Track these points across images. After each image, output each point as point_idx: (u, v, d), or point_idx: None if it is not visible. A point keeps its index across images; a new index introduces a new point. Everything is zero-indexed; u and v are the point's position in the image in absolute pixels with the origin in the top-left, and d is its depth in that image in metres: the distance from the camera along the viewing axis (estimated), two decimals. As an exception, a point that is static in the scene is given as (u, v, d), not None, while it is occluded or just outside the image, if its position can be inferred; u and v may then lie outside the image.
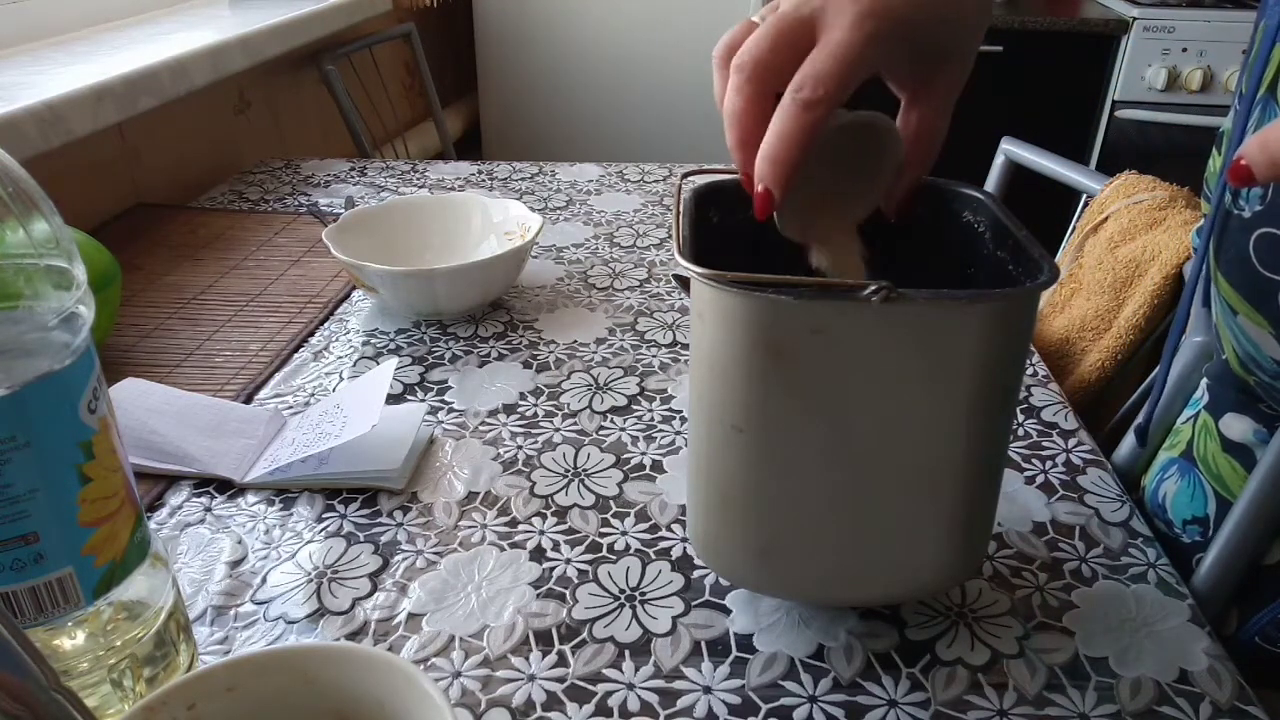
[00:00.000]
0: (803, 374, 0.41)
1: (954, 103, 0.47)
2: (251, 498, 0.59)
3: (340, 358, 0.75)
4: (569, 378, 0.72)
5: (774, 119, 0.41)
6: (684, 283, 0.45)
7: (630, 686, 0.46)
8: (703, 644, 0.48)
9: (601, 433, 0.66)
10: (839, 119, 0.44)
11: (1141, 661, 0.47)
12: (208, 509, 0.58)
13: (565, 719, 0.44)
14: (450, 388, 0.71)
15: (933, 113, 0.46)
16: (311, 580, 0.53)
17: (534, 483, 0.60)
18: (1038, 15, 2.18)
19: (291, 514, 0.58)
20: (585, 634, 0.49)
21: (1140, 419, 0.70)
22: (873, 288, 0.38)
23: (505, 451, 0.64)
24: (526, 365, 0.74)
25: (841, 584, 0.46)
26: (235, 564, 0.54)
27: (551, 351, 0.76)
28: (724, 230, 0.50)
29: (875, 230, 0.49)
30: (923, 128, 0.46)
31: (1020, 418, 0.67)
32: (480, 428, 0.66)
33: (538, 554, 0.54)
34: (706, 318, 0.42)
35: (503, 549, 0.55)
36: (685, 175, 0.52)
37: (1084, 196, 1.14)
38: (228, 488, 0.60)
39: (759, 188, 0.42)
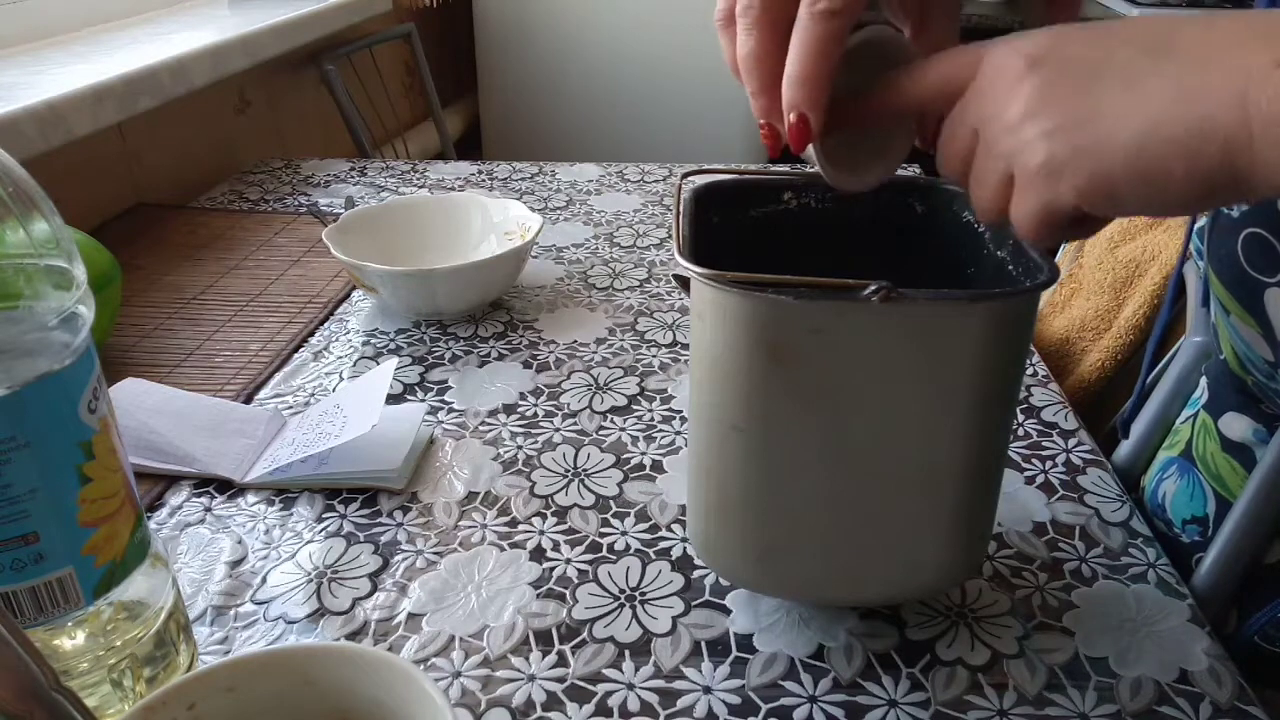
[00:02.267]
0: (802, 374, 0.41)
1: (958, 19, 0.45)
2: (251, 498, 0.59)
3: (340, 358, 0.75)
4: (569, 378, 0.72)
5: (793, 39, 0.39)
6: (684, 283, 0.45)
7: (630, 686, 0.46)
8: (703, 644, 0.48)
9: (601, 433, 0.66)
10: (849, 40, 0.41)
11: (1141, 661, 0.47)
12: (208, 509, 0.58)
13: (565, 719, 0.44)
14: (450, 388, 0.71)
15: (942, 31, 0.44)
16: (311, 580, 0.53)
17: (534, 483, 0.60)
18: (1038, 15, 2.18)
19: (291, 514, 0.58)
20: (585, 634, 0.49)
21: (1125, 412, 0.70)
22: (872, 288, 0.38)
23: (505, 451, 0.64)
24: (526, 365, 0.74)
25: (841, 584, 0.46)
26: (235, 564, 0.54)
27: (551, 351, 0.76)
28: (724, 230, 0.50)
29: (875, 230, 0.49)
30: (935, 43, 0.43)
31: (1020, 418, 0.67)
32: (480, 428, 0.66)
33: (538, 554, 0.54)
34: (706, 318, 0.42)
35: (503, 549, 0.55)
36: (685, 175, 0.52)
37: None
38: (228, 488, 0.60)
39: (791, 117, 0.39)
